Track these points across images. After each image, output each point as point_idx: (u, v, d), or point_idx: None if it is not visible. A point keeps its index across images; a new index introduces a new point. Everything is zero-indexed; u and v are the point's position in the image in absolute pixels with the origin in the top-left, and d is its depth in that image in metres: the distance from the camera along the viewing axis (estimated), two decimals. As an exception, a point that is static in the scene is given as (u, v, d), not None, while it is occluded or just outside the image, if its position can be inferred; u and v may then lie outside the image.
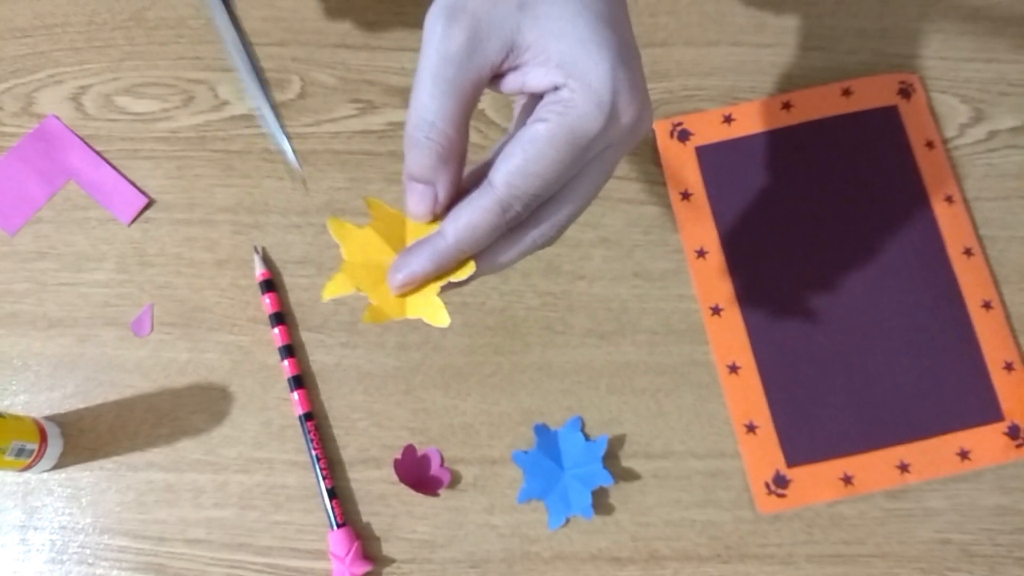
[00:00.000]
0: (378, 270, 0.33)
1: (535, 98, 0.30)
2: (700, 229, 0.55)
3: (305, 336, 0.54)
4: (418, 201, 0.31)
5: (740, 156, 0.56)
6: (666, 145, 0.56)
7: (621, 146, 0.30)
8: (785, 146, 0.56)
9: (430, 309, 0.32)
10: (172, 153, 0.56)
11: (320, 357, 0.53)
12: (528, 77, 0.29)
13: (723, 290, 0.54)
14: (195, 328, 0.54)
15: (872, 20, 0.59)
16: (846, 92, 0.57)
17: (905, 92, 0.57)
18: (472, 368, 0.53)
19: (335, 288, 0.33)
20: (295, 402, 0.52)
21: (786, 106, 0.56)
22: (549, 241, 0.32)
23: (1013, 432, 0.51)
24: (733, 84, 0.58)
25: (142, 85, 0.57)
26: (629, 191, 0.56)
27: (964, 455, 0.51)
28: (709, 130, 0.56)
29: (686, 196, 0.56)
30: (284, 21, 0.58)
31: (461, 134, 0.29)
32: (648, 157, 0.57)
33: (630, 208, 0.56)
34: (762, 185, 0.56)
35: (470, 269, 0.31)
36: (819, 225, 0.55)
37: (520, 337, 0.54)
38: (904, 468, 0.51)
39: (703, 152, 0.56)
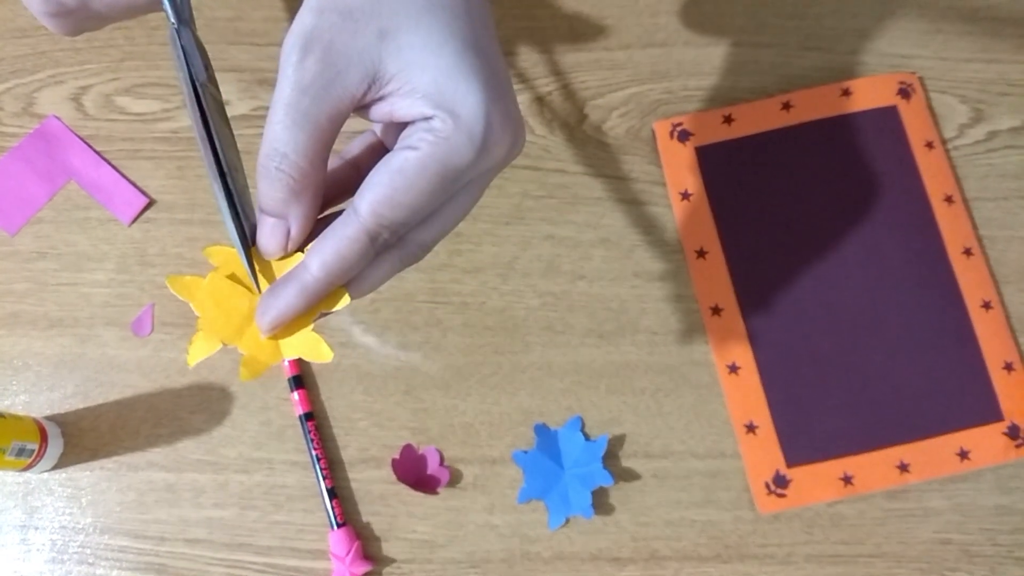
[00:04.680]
0: (238, 317, 0.30)
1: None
2: (700, 229, 0.55)
3: (305, 336, 0.54)
4: (269, 236, 0.29)
5: (740, 156, 0.56)
6: (666, 145, 0.56)
7: (492, 172, 0.30)
8: (785, 146, 0.56)
9: (308, 346, 0.30)
10: (173, 153, 0.56)
11: (320, 357, 0.53)
12: (396, 107, 0.28)
13: (723, 290, 0.54)
14: (196, 328, 0.54)
15: (872, 20, 0.59)
16: (846, 92, 0.57)
17: (905, 92, 0.57)
18: (472, 368, 0.53)
19: (198, 350, 0.30)
20: (295, 402, 0.52)
21: (786, 106, 0.57)
22: (416, 260, 0.31)
23: (1013, 432, 0.52)
24: (733, 84, 0.58)
25: (142, 85, 0.58)
26: (629, 191, 0.56)
27: (964, 455, 0.51)
28: (709, 130, 0.56)
29: (686, 196, 0.56)
30: (284, 22, 0.59)
31: (316, 167, 0.28)
32: (648, 157, 0.57)
33: (630, 208, 0.56)
34: (762, 185, 0.56)
35: (345, 299, 0.30)
36: (819, 225, 0.55)
37: (520, 337, 0.54)
38: (904, 468, 0.51)
39: (703, 152, 0.56)
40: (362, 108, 0.29)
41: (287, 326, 0.30)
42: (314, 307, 0.30)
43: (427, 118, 0.27)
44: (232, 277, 0.31)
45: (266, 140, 0.28)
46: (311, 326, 0.30)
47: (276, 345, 0.31)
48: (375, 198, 0.28)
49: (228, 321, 0.31)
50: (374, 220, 0.28)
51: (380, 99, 0.28)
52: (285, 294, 0.29)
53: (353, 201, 0.28)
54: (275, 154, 0.28)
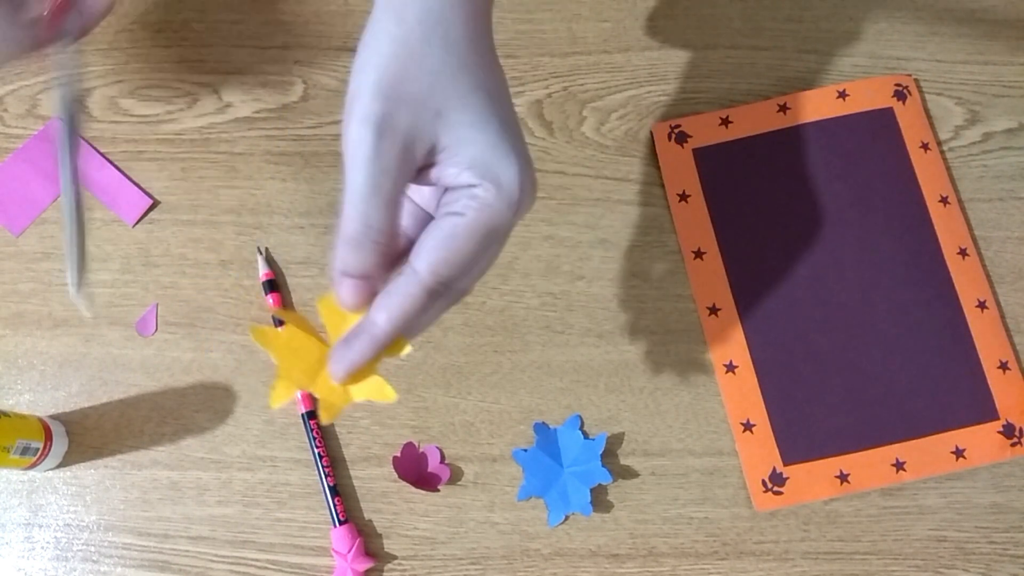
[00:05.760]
0: (312, 365, 0.34)
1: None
2: (697, 230, 0.56)
3: (307, 336, 0.54)
4: (354, 294, 0.33)
5: (737, 158, 0.57)
6: (664, 147, 0.57)
7: (516, 224, 0.34)
8: (781, 148, 0.57)
9: (375, 388, 0.34)
10: (176, 155, 0.57)
11: (322, 356, 0.54)
12: (444, 174, 0.32)
13: (720, 290, 0.55)
14: (199, 328, 0.54)
15: (867, 23, 0.59)
16: (842, 94, 0.57)
17: (900, 94, 0.57)
18: (472, 367, 0.54)
19: (281, 395, 0.34)
20: (298, 400, 0.53)
21: (782, 108, 0.57)
22: (457, 303, 0.35)
23: (1008, 431, 0.52)
24: (730, 87, 0.58)
25: (146, 87, 0.58)
26: (627, 193, 0.57)
27: (959, 454, 0.52)
28: (706, 132, 0.57)
29: (684, 197, 0.56)
30: (286, 25, 0.59)
31: (396, 235, 0.33)
32: (646, 159, 0.57)
33: (628, 209, 0.56)
34: (759, 187, 0.56)
35: (407, 347, 0.34)
36: (815, 226, 0.55)
37: (520, 336, 0.54)
38: (900, 466, 0.52)
39: (700, 154, 0.57)
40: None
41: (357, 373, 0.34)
42: (380, 356, 0.34)
43: (472, 186, 0.32)
44: (303, 328, 0.35)
45: (357, 216, 0.31)
46: (377, 370, 0.34)
47: (347, 389, 0.34)
48: (432, 260, 0.32)
49: (304, 369, 0.34)
50: (433, 279, 0.32)
51: (432, 165, 0.32)
52: (357, 346, 0.33)
53: (411, 262, 0.32)
54: (370, 230, 0.31)
